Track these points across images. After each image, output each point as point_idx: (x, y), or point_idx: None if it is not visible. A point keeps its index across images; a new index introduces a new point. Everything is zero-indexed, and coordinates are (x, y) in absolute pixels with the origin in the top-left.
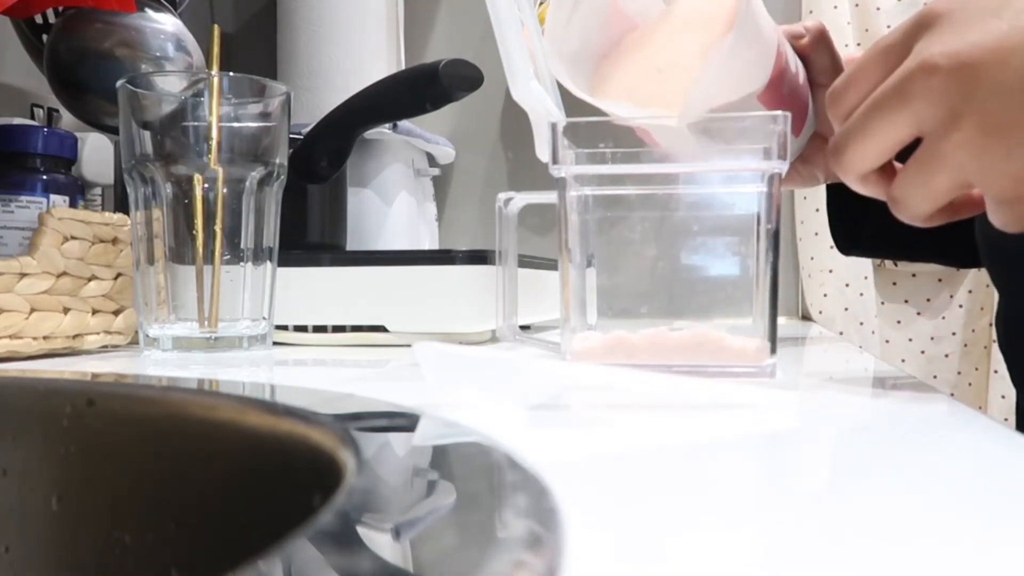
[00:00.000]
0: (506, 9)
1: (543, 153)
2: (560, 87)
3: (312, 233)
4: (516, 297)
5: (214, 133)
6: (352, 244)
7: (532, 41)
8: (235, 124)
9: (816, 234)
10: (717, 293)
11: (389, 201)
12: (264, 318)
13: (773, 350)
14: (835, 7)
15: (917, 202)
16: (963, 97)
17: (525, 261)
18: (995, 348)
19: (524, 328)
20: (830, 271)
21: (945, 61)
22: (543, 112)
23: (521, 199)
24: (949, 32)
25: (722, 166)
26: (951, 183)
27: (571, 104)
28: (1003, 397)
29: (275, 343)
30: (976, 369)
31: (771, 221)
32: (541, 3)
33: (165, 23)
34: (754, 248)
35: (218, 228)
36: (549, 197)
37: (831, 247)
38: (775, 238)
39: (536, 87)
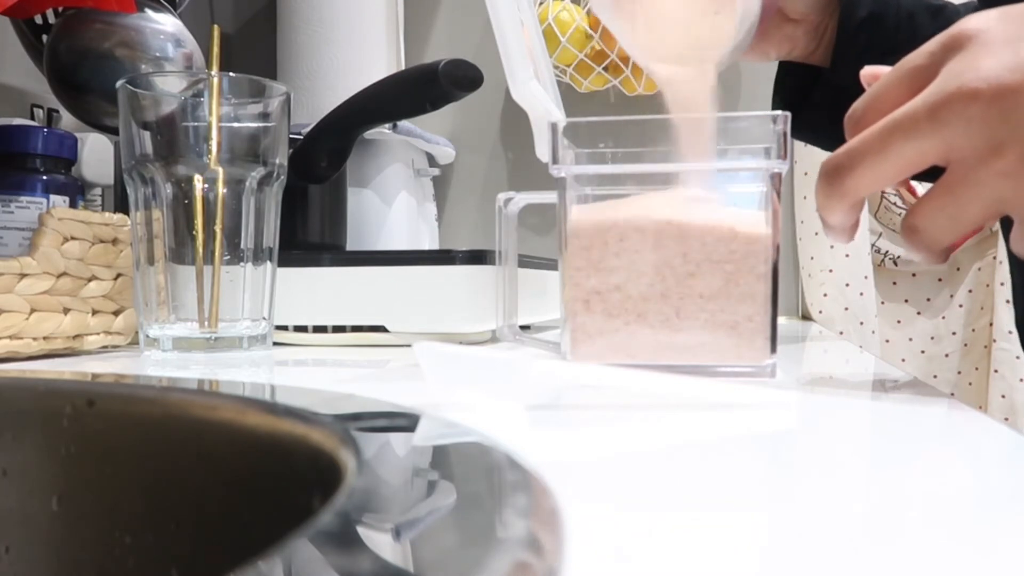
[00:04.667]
0: (506, 9)
1: (543, 153)
2: (560, 89)
3: (312, 233)
4: (516, 297)
5: (214, 133)
6: (352, 244)
7: (532, 41)
8: (235, 124)
9: (816, 234)
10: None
11: (389, 201)
12: (264, 318)
13: (773, 349)
14: None
15: (941, 232)
16: (1006, 125)
17: (525, 261)
18: (995, 348)
19: (524, 328)
20: (830, 271)
21: (986, 87)
22: (543, 112)
23: (521, 199)
24: (984, 55)
25: (722, 166)
26: (984, 212)
27: (572, 104)
28: (1003, 397)
29: (275, 343)
30: (976, 369)
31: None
32: (541, 3)
33: (165, 23)
34: None
35: (218, 228)
36: (549, 197)
37: (831, 247)
38: (775, 236)
39: (536, 87)
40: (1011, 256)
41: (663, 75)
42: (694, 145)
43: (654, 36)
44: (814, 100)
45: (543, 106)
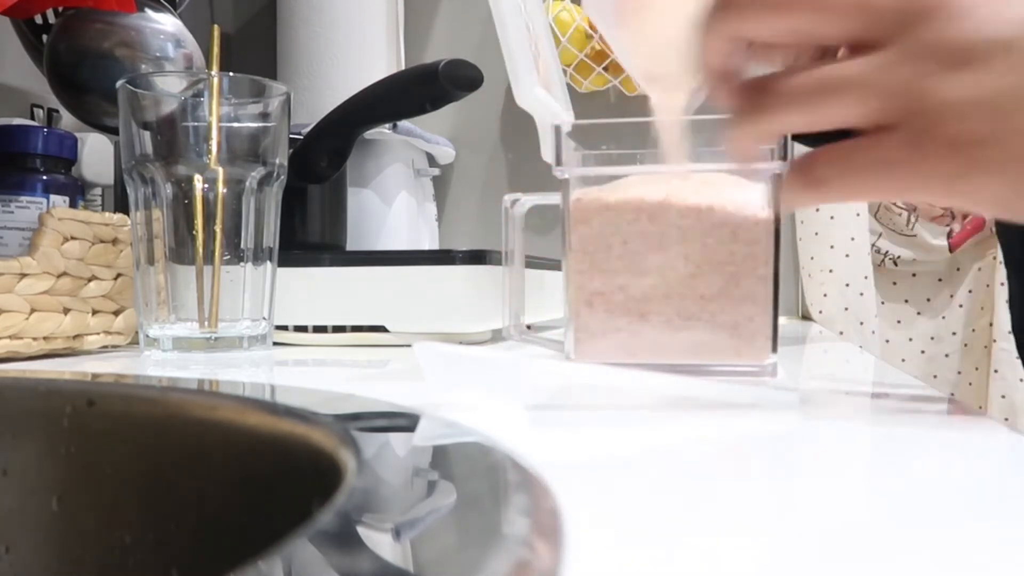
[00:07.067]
0: (510, 13)
1: (548, 155)
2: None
3: (312, 233)
4: (523, 297)
5: (214, 133)
6: (352, 244)
7: (540, 41)
8: (235, 124)
9: (816, 234)
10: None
11: (389, 201)
12: (264, 318)
13: (774, 349)
14: None
15: (850, 194)
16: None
17: (528, 261)
18: (995, 348)
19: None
20: (830, 271)
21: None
22: (548, 116)
23: (527, 201)
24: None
25: (724, 168)
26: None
27: (572, 104)
28: (1003, 397)
29: (275, 343)
30: (976, 369)
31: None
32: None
33: (165, 23)
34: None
35: (218, 228)
36: (554, 199)
37: (831, 247)
38: (775, 238)
39: (541, 93)
40: (1008, 260)
41: (652, 98)
42: (680, 154)
43: (647, 59)
44: None
45: (549, 110)
